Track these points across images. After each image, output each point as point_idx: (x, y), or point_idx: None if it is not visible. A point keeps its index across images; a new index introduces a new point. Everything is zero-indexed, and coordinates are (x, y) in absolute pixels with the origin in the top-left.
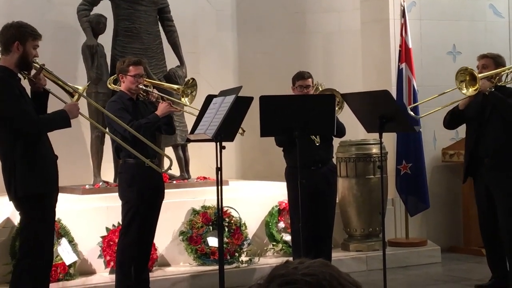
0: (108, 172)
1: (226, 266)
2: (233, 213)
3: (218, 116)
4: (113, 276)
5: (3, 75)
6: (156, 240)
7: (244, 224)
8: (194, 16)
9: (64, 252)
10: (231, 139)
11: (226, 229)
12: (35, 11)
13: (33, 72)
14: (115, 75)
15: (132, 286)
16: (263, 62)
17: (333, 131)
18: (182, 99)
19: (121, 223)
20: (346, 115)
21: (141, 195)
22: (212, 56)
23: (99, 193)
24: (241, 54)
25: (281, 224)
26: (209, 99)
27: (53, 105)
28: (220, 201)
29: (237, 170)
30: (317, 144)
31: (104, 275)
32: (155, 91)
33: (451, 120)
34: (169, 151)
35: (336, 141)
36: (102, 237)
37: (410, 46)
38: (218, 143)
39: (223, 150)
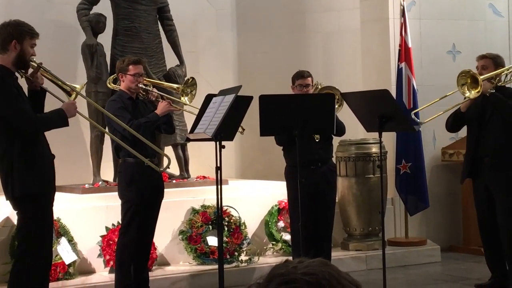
0: (107, 172)
1: (225, 266)
2: (233, 213)
3: (218, 116)
4: (113, 275)
5: (1, 74)
6: (156, 239)
7: (244, 223)
8: (194, 15)
9: (63, 252)
10: (230, 138)
11: (226, 229)
12: (35, 10)
13: (30, 70)
14: (115, 74)
15: (132, 285)
16: (263, 61)
17: (333, 130)
18: (182, 98)
19: (120, 222)
20: (346, 115)
21: (141, 194)
22: (211, 55)
23: (99, 193)
24: (240, 53)
25: (281, 224)
26: (208, 98)
27: (51, 104)
28: (220, 200)
29: (236, 169)
30: (317, 141)
31: (103, 274)
32: (155, 90)
33: (454, 122)
34: (168, 150)
35: (335, 141)
36: (101, 236)
37: (410, 45)
38: (217, 143)
39: (222, 150)
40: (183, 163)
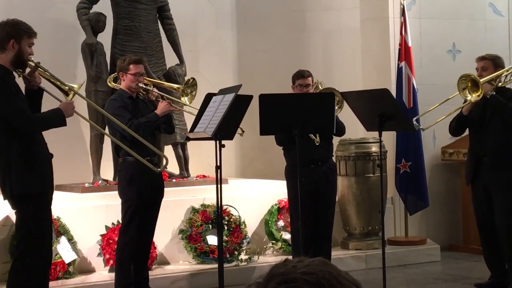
0: (107, 171)
1: (225, 265)
2: (233, 212)
3: (218, 115)
4: (113, 275)
5: (0, 74)
6: (156, 239)
7: (244, 222)
8: (194, 14)
9: (63, 251)
10: (230, 137)
11: (226, 228)
12: (35, 9)
13: (27, 70)
14: (115, 73)
15: (132, 285)
16: (263, 60)
17: (333, 130)
18: (182, 98)
19: (120, 221)
20: (345, 114)
21: (141, 193)
22: (211, 54)
23: (99, 192)
24: (240, 52)
25: (281, 223)
26: (208, 97)
27: (49, 104)
28: (220, 199)
29: (236, 168)
30: (317, 144)
31: (103, 273)
32: (155, 90)
33: (457, 126)
34: (168, 149)
35: (335, 140)
36: (101, 235)
37: (410, 44)
38: (217, 142)
39: (222, 149)
40: (183, 162)
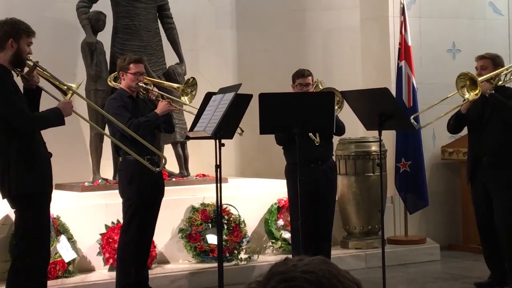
0: (107, 170)
1: (225, 264)
2: (232, 211)
3: (217, 114)
4: (112, 273)
5: None
6: (155, 238)
7: (243, 221)
8: (194, 13)
9: (63, 250)
10: (230, 136)
11: (225, 227)
12: (34, 8)
13: (26, 69)
14: (116, 72)
15: (132, 284)
16: (263, 59)
17: (333, 129)
18: (182, 98)
19: (121, 220)
20: (345, 113)
21: (141, 193)
22: (211, 53)
23: (98, 191)
24: (240, 51)
25: (280, 222)
26: (208, 96)
27: (47, 103)
28: (219, 198)
29: (236, 167)
30: (317, 144)
31: (103, 272)
32: (155, 89)
33: (455, 124)
34: (168, 148)
35: (335, 139)
36: (101, 234)
37: (410, 43)
38: (217, 141)
39: (222, 148)
40: (183, 161)
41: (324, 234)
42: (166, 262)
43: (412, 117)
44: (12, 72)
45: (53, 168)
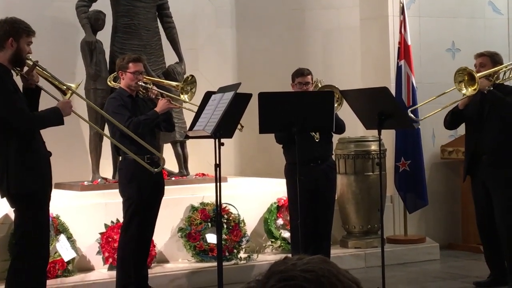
0: (107, 169)
1: (224, 263)
2: (232, 210)
3: (217, 113)
4: (112, 273)
5: None
6: (155, 237)
7: (243, 220)
8: (193, 12)
9: (62, 249)
10: (229, 135)
11: (225, 226)
12: (34, 7)
13: (25, 68)
14: (115, 72)
15: (132, 283)
16: (262, 58)
17: (332, 128)
18: (182, 96)
19: (120, 219)
20: (345, 112)
21: (141, 192)
22: (211, 52)
23: (98, 190)
24: (240, 50)
25: (280, 221)
26: (208, 95)
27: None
28: (219, 197)
29: (235, 166)
30: (317, 141)
31: (102, 271)
32: (155, 88)
33: (452, 120)
34: (168, 147)
35: (335, 138)
36: (100, 233)
37: (409, 43)
38: (216, 140)
39: (222, 147)
40: (182, 160)
41: (324, 233)
42: (166, 261)
43: (410, 109)
44: (12, 71)
45: (52, 167)
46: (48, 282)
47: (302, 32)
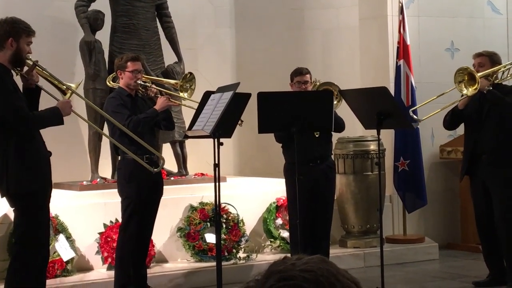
0: (106, 169)
1: (223, 263)
2: (231, 210)
3: (216, 113)
4: (111, 272)
5: None
6: (154, 237)
7: (242, 220)
8: (193, 12)
9: (61, 249)
10: (229, 135)
11: (224, 226)
12: (33, 7)
13: (25, 68)
14: (114, 73)
15: (130, 283)
16: (261, 58)
17: (331, 127)
18: (181, 94)
19: (119, 219)
20: (344, 112)
21: (140, 191)
22: (210, 52)
23: (97, 190)
24: (239, 50)
25: (279, 221)
26: (207, 95)
27: (45, 102)
28: (218, 197)
29: (235, 166)
30: (317, 136)
31: (101, 271)
32: (154, 86)
33: (452, 120)
34: (167, 147)
35: (334, 138)
36: (99, 233)
37: (408, 42)
38: (215, 140)
39: (221, 147)
40: (181, 160)
41: (323, 233)
42: (165, 261)
43: (411, 110)
44: (12, 71)
45: (52, 167)
46: (47, 281)
47: (301, 31)
